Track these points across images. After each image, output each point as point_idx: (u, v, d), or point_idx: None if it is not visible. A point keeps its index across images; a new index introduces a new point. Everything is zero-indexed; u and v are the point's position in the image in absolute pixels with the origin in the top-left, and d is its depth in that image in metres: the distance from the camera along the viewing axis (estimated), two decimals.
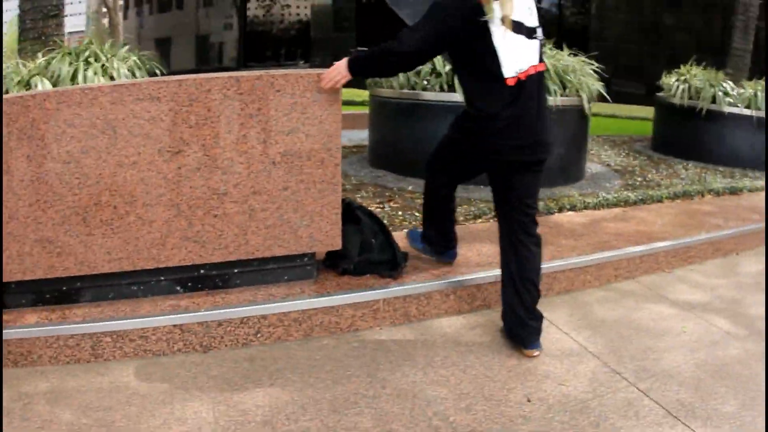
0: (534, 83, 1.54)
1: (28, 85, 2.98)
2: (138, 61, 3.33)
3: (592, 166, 3.99)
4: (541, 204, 2.97)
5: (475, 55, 1.53)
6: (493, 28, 1.47)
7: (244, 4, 15.40)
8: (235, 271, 1.91)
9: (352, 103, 6.18)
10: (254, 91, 1.82)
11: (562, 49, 3.64)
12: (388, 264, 1.93)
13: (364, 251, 1.93)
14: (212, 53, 16.23)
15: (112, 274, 1.88)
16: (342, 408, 1.46)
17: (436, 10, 1.51)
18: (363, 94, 4.44)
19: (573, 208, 2.88)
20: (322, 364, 1.67)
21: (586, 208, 2.92)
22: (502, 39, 1.47)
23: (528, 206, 1.67)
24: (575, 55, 3.63)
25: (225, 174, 1.83)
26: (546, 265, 1.99)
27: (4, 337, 1.72)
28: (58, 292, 1.90)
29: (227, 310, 1.80)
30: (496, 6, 1.46)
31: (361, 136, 4.37)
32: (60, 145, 1.82)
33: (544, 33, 1.62)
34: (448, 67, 3.30)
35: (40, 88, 2.97)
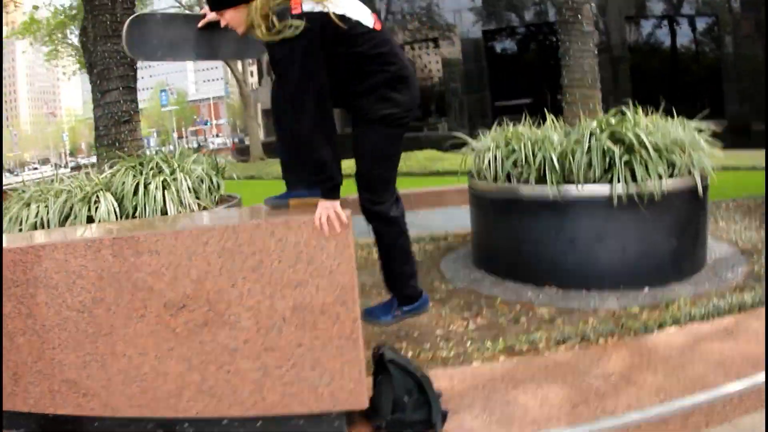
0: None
1: (90, 200, 3.52)
2: (208, 167, 3.75)
3: (715, 247, 3.95)
4: (643, 315, 2.84)
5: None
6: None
7: None
8: (258, 424, 2.17)
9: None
10: (253, 241, 1.94)
11: (672, 117, 3.53)
12: (423, 424, 2.02)
13: (396, 409, 2.05)
14: (348, 117, 18.58)
15: (138, 418, 2.28)
16: None
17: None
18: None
19: (676, 322, 2.71)
20: None
21: (692, 319, 2.72)
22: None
23: None
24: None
25: (233, 330, 2.04)
26: (618, 421, 1.94)
27: None
28: (91, 428, 2.36)
29: None
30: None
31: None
32: (72, 294, 2.17)
33: None
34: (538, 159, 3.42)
35: (102, 205, 3.47)
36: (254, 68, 29.88)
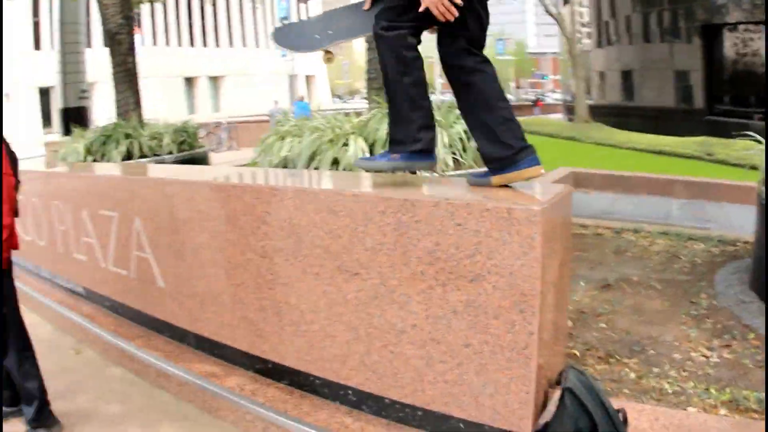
0: None
1: (339, 143, 4.23)
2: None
3: None
4: None
5: None
6: None
7: (716, 39, 18.68)
8: (418, 413, 2.41)
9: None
10: (431, 221, 2.09)
11: None
12: None
13: None
14: (675, 91, 20.64)
15: (304, 372, 2.72)
16: None
17: None
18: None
19: None
20: None
21: None
22: None
23: None
24: None
25: (402, 311, 2.25)
26: None
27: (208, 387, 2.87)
28: (263, 368, 2.91)
29: None
30: None
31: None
32: (256, 238, 2.65)
33: None
34: None
35: (352, 147, 4.12)
36: (589, 29, 30.10)
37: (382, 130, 4.47)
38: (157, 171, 4.14)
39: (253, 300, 2.77)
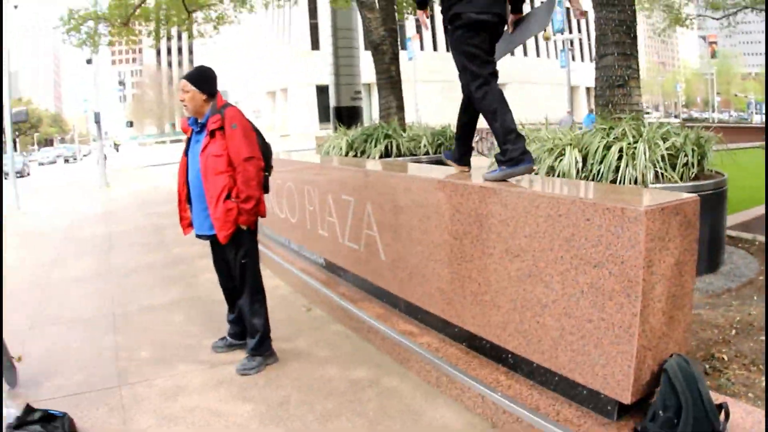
0: None
1: (561, 153, 5.53)
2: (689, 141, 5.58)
3: None
4: None
5: None
6: None
7: None
8: (555, 378, 3.49)
9: None
10: (569, 215, 3.18)
11: None
12: None
13: (653, 418, 2.97)
14: None
15: (476, 335, 3.96)
16: None
17: None
18: None
19: None
20: None
21: None
22: None
23: None
24: None
25: (547, 288, 3.37)
26: None
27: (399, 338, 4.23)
28: (450, 330, 4.21)
29: (518, 407, 3.46)
30: None
31: None
32: (452, 223, 3.97)
33: None
34: None
35: (567, 157, 5.42)
36: None
37: (596, 143, 5.53)
38: (389, 167, 5.68)
39: (446, 273, 4.10)
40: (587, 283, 3.15)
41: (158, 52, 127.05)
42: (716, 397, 3.20)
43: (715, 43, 62.56)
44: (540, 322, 3.46)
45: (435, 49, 68.03)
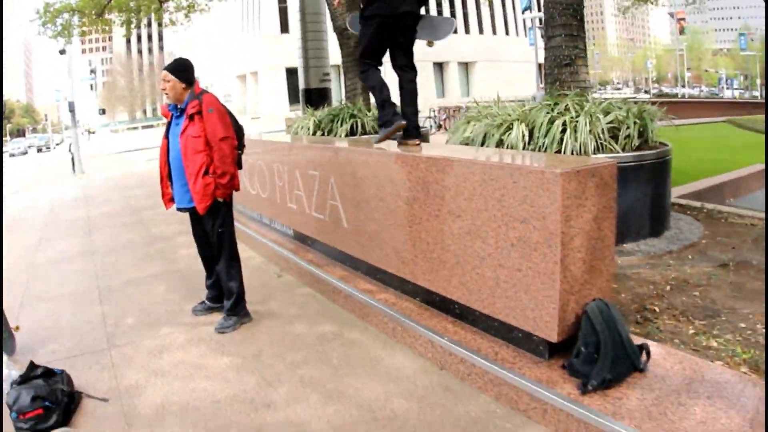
0: None
1: (509, 128, 5.95)
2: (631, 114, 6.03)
3: None
4: None
5: None
6: None
7: None
8: (495, 324, 3.96)
9: None
10: (499, 179, 3.64)
11: None
12: (585, 378, 3.37)
13: (577, 354, 3.47)
14: None
15: (428, 289, 4.44)
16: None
17: None
18: None
19: None
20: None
21: None
22: None
23: None
24: None
25: (483, 243, 3.83)
26: None
27: (354, 293, 4.70)
28: (405, 287, 4.68)
29: (462, 350, 3.93)
30: None
31: None
32: (404, 190, 4.42)
33: None
34: None
35: (515, 131, 5.84)
36: None
37: (541, 118, 6.00)
38: (351, 143, 6.10)
39: (400, 236, 4.56)
40: (516, 237, 3.62)
41: (128, 40, 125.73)
42: (639, 340, 3.70)
43: (684, 19, 63.60)
44: (479, 274, 3.93)
45: None
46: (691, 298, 4.74)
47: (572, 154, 5.94)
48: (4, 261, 7.77)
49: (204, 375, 4.22)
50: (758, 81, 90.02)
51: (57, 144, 65.55)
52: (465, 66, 75.51)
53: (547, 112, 6.27)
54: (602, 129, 6.07)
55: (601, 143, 6.06)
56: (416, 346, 4.32)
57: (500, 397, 3.65)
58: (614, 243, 3.80)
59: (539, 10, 53.87)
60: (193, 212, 5.07)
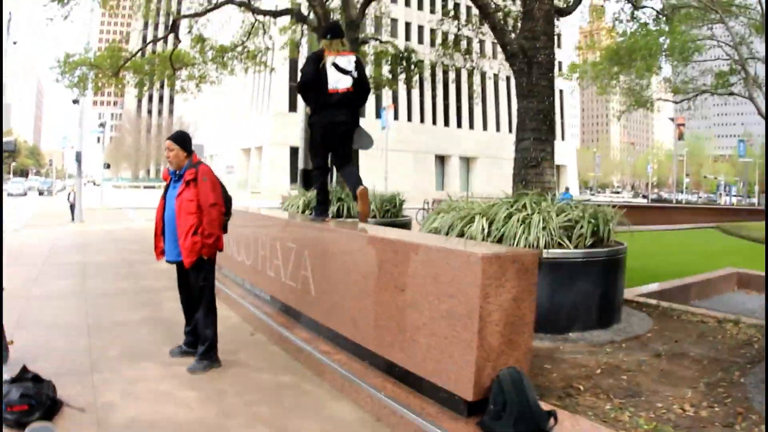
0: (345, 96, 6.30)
1: (471, 220, 6.81)
2: (587, 215, 6.88)
3: None
4: None
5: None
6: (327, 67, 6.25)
7: None
8: (425, 383, 4.67)
9: None
10: (436, 259, 4.42)
11: None
12: None
13: (488, 413, 4.17)
14: None
15: (374, 353, 5.16)
16: None
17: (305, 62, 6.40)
18: None
19: None
20: None
21: None
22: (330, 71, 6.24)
23: None
24: None
25: (420, 314, 4.57)
26: None
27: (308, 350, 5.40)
28: (357, 350, 5.41)
29: (394, 404, 4.61)
30: (329, 58, 6.25)
31: None
32: (358, 267, 5.21)
33: None
34: None
35: (476, 223, 6.69)
36: None
37: (501, 213, 6.80)
38: (331, 224, 6.92)
39: (356, 305, 5.32)
40: (446, 309, 4.37)
41: (140, 99, 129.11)
42: (550, 407, 4.31)
43: (683, 125, 65.72)
44: (415, 340, 4.66)
45: (409, 119, 70.55)
46: (618, 381, 5.28)
47: (526, 247, 6.61)
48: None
49: (172, 402, 4.88)
50: (756, 188, 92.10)
51: (59, 191, 66.52)
52: (466, 161, 77.73)
53: (507, 209, 7.04)
54: (554, 226, 6.78)
55: (555, 239, 6.79)
56: (359, 400, 4.99)
57: None
58: (533, 321, 4.49)
59: None
60: (180, 265, 5.85)
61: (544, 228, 6.73)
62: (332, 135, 6.49)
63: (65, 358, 5.81)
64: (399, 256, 4.82)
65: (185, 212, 5.61)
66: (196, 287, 5.79)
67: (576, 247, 6.86)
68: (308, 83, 6.38)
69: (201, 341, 5.80)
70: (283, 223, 7.51)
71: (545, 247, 6.67)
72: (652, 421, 4.45)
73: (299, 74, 6.63)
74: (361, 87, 6.48)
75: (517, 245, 6.65)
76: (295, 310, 6.69)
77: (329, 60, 6.31)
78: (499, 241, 6.77)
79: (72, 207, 26.11)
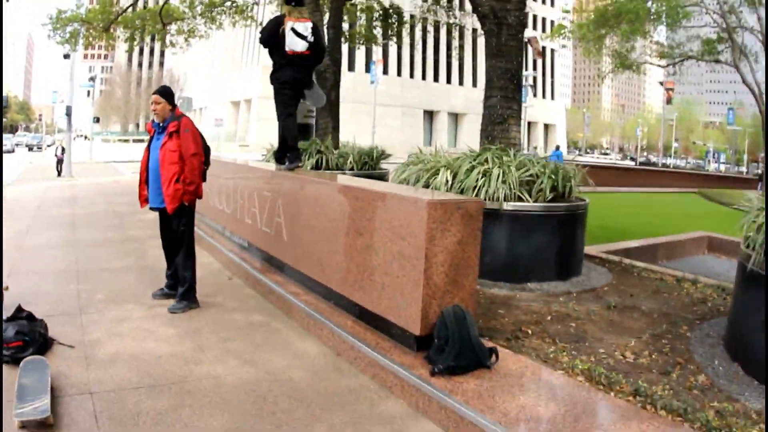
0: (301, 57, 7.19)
1: (436, 172, 7.18)
2: (548, 170, 7.32)
3: None
4: None
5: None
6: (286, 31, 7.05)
7: None
8: (380, 321, 5.13)
9: None
10: (390, 205, 4.85)
11: None
12: (433, 364, 4.56)
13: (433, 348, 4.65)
14: None
15: (336, 292, 5.64)
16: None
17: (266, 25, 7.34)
18: None
19: None
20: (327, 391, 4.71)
21: None
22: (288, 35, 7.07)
23: None
24: None
25: (376, 255, 5.02)
26: None
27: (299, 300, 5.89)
28: (321, 289, 5.88)
29: (353, 339, 5.09)
30: (288, 23, 7.04)
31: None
32: (324, 211, 5.65)
33: None
34: None
35: (440, 176, 7.08)
36: None
37: (464, 166, 7.23)
38: (302, 174, 7.34)
39: (323, 249, 5.77)
40: (398, 251, 4.81)
41: (130, 53, 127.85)
42: (491, 344, 4.72)
43: (672, 90, 65.81)
44: (372, 280, 5.11)
45: (399, 74, 70.41)
46: (566, 327, 5.65)
47: (485, 200, 7.02)
48: None
49: (153, 338, 5.35)
50: (745, 156, 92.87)
51: (48, 145, 66.36)
52: (455, 116, 77.83)
53: (470, 162, 7.45)
54: (514, 180, 7.19)
55: (515, 192, 7.20)
56: (322, 336, 5.47)
57: (375, 377, 4.76)
58: (477, 265, 4.91)
59: (526, 68, 56.17)
60: (162, 212, 6.27)
61: (504, 181, 7.11)
62: (291, 89, 7.37)
63: (55, 301, 6.26)
64: (360, 202, 5.24)
65: (168, 162, 6.02)
66: (177, 232, 6.22)
67: (536, 201, 7.23)
68: (264, 43, 7.35)
69: (180, 283, 6.26)
70: (259, 173, 7.92)
71: (505, 200, 7.06)
72: (589, 364, 4.77)
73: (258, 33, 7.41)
74: (316, 50, 7.30)
75: (477, 197, 7.03)
76: (269, 255, 7.15)
77: (288, 25, 7.08)
78: (461, 192, 7.14)
79: (59, 162, 26.32)
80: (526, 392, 4.17)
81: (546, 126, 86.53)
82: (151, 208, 6.38)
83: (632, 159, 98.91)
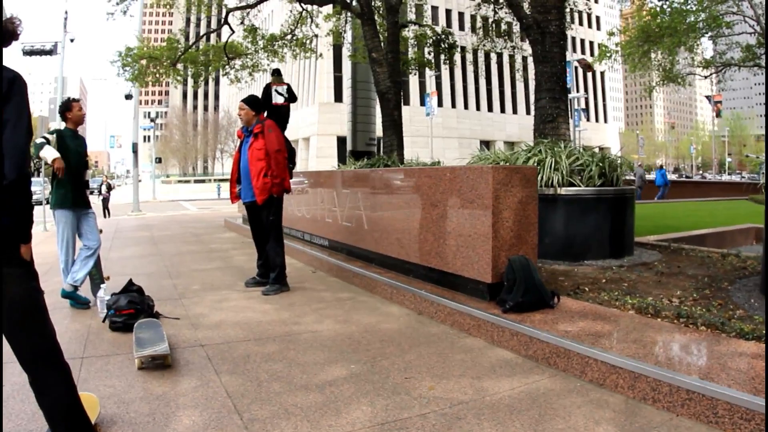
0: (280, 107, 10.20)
1: (495, 163, 8.33)
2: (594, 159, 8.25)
3: None
4: None
5: None
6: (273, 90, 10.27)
7: None
8: (453, 279, 6.14)
9: None
10: (460, 176, 5.89)
11: None
12: (508, 303, 5.52)
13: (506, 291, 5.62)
14: None
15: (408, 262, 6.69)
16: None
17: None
18: None
19: None
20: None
21: None
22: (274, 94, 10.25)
23: None
24: None
25: (449, 221, 6.07)
26: None
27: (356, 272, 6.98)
28: (402, 267, 6.94)
29: (433, 296, 6.10)
30: (274, 87, 10.29)
31: None
32: (398, 197, 6.75)
33: None
34: None
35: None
36: None
37: (522, 158, 8.26)
38: (374, 169, 8.49)
39: (400, 227, 6.89)
40: (468, 212, 5.87)
41: (184, 96, 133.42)
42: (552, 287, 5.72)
43: (720, 102, 64.75)
44: (447, 244, 6.17)
45: (453, 106, 72.31)
46: (618, 286, 6.54)
47: (542, 186, 7.89)
48: None
49: (251, 311, 6.52)
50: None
51: (95, 188, 69.69)
52: (511, 145, 78.92)
53: (526, 154, 8.45)
54: (565, 166, 8.12)
55: (566, 179, 8.09)
56: (404, 301, 6.54)
57: (454, 324, 5.79)
58: (536, 222, 5.96)
59: (578, 90, 56.92)
60: (253, 205, 7.51)
61: (556, 169, 8.08)
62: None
63: (154, 292, 7.44)
64: (432, 180, 6.34)
65: (256, 159, 7.31)
66: (267, 222, 7.42)
67: (586, 186, 8.15)
68: (263, 99, 9.65)
69: (272, 269, 7.43)
70: (341, 173, 9.18)
71: (558, 185, 8.01)
72: (638, 299, 5.77)
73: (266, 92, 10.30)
74: (290, 99, 10.39)
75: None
76: (349, 248, 8.32)
77: (273, 87, 10.28)
78: None
79: (105, 200, 26.84)
80: (585, 319, 5.16)
81: (600, 149, 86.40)
82: (243, 203, 7.61)
83: (687, 177, 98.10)
